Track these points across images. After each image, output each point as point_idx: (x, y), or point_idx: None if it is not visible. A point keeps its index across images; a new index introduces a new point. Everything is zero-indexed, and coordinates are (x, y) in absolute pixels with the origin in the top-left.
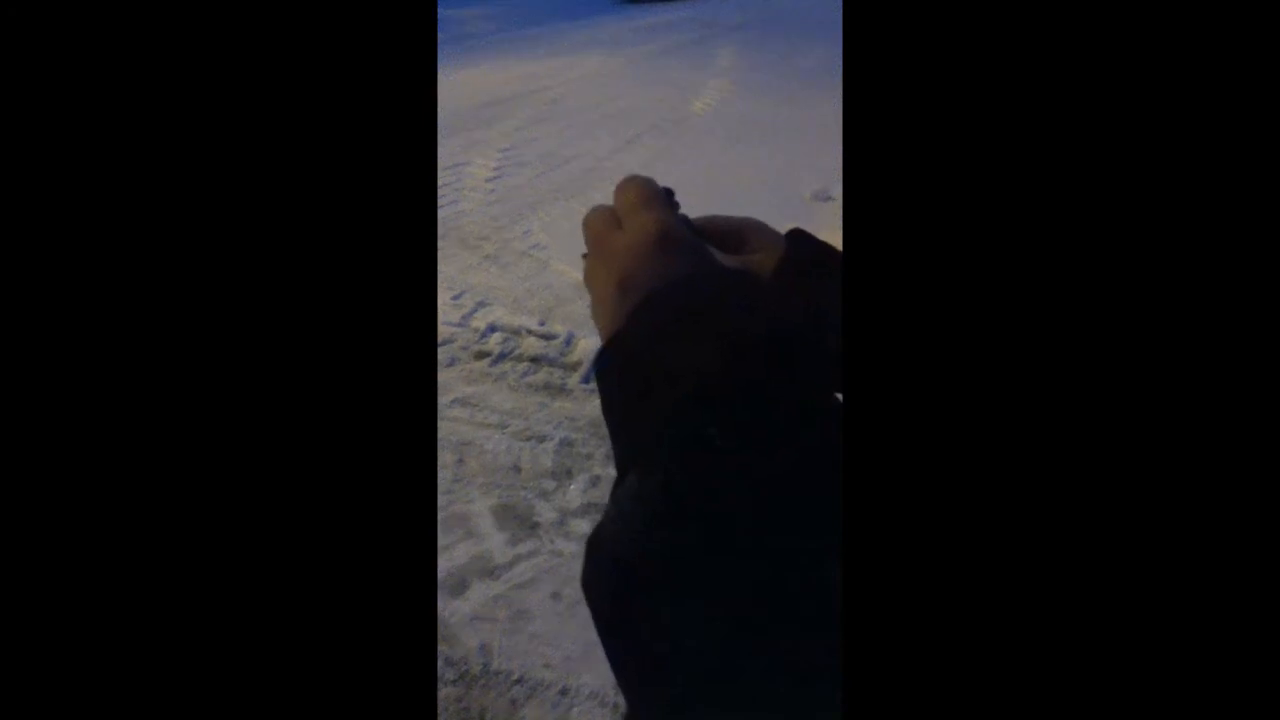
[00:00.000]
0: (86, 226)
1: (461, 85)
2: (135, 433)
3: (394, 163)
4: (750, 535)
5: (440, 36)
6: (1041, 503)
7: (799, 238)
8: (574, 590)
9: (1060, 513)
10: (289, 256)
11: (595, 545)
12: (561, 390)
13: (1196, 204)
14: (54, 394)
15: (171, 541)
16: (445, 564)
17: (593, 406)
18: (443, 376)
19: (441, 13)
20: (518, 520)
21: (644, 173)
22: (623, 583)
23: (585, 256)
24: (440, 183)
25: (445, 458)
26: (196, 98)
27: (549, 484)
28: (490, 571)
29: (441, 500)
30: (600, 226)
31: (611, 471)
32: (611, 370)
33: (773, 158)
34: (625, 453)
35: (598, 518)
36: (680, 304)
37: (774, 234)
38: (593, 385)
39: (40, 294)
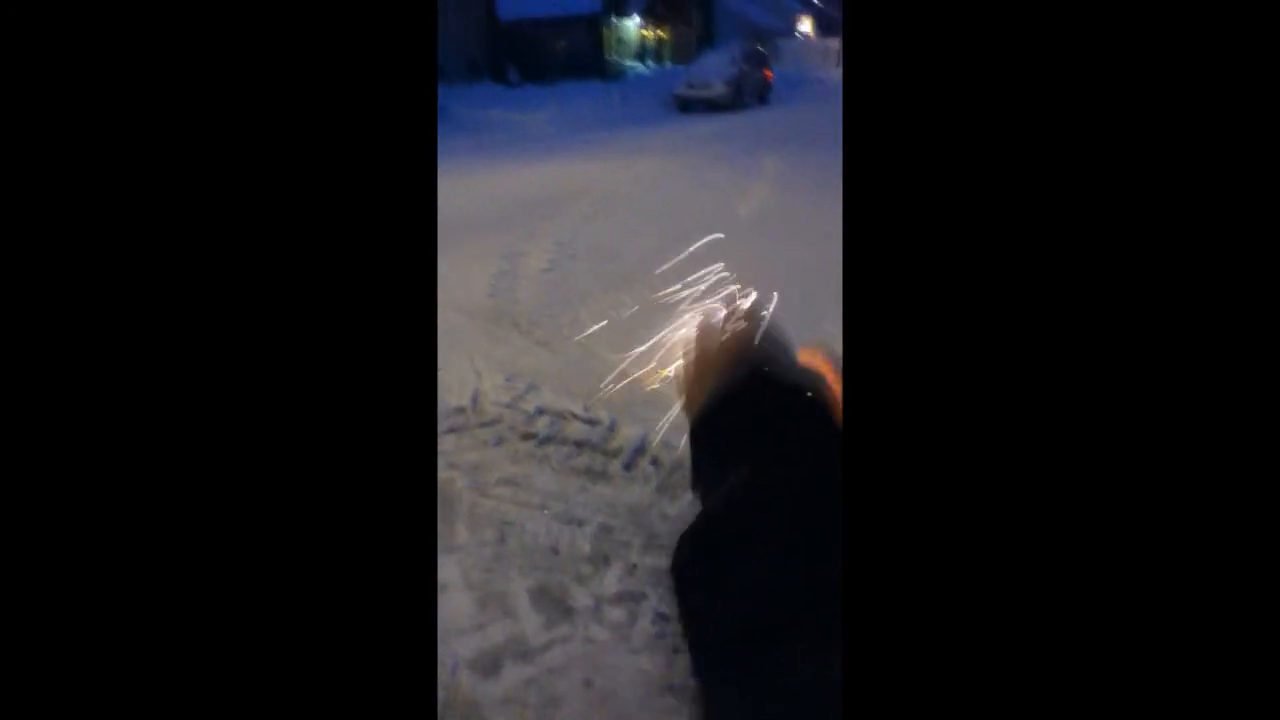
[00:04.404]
0: (83, 244)
1: (523, 182)
2: (139, 482)
3: (397, 235)
4: (765, 539)
5: (504, 138)
6: (1038, 510)
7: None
8: (605, 679)
9: (1057, 518)
10: (294, 318)
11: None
12: (602, 475)
13: (1197, 255)
14: (42, 418)
15: (172, 618)
16: (479, 643)
17: (631, 494)
18: (489, 455)
19: (506, 115)
20: (553, 603)
21: (690, 271)
22: (680, 581)
23: (682, 363)
24: (498, 270)
25: (487, 535)
26: (191, 136)
27: (586, 568)
28: (523, 654)
29: (481, 578)
30: (708, 330)
31: (649, 560)
32: (703, 414)
33: (812, 258)
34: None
35: (633, 606)
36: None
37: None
38: (631, 473)
39: (27, 310)
